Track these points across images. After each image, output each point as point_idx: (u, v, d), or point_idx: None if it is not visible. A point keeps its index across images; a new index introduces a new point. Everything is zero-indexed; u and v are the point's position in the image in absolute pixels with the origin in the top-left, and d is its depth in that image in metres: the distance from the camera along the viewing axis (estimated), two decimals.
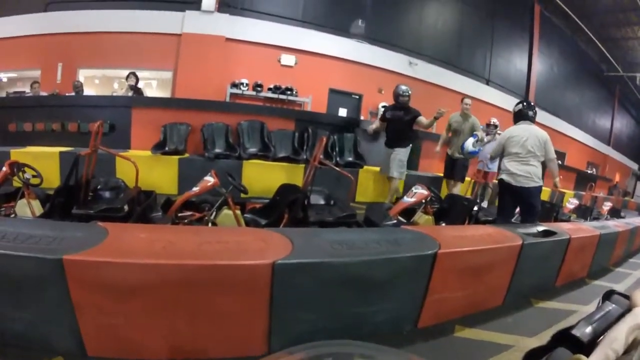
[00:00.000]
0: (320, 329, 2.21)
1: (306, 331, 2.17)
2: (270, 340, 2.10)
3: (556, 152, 4.41)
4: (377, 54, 9.98)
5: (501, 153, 4.36)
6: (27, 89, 8.07)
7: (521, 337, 2.65)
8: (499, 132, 6.62)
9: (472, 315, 2.84)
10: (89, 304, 1.85)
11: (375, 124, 6.25)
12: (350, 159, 6.70)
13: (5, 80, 10.41)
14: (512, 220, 4.63)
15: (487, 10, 11.91)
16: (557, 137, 14.42)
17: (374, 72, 9.98)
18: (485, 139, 6.23)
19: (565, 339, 1.82)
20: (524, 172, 4.09)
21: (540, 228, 3.64)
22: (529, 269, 3.21)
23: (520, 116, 4.27)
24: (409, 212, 4.47)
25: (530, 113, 4.27)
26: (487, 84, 12.07)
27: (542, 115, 13.43)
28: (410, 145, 5.80)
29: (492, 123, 6.61)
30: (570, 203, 7.56)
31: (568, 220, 6.31)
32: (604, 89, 17.80)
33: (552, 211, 6.20)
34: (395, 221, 4.05)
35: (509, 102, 12.39)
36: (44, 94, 7.49)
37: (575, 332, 1.89)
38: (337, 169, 4.74)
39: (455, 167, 6.17)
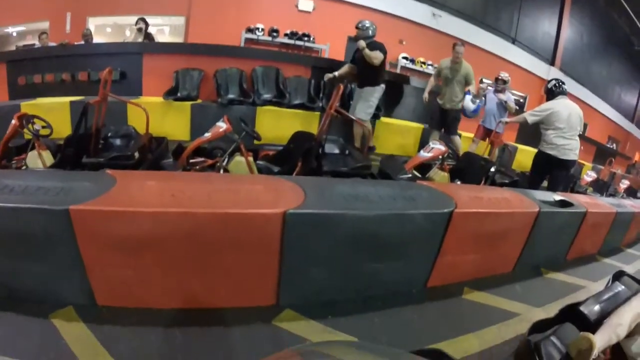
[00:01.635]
0: (329, 282, 2.20)
1: (315, 283, 2.16)
2: (280, 289, 2.09)
3: None
4: (398, 3, 9.46)
5: (539, 124, 4.56)
6: (37, 42, 7.84)
7: (528, 307, 2.63)
8: (509, 89, 6.04)
9: (481, 279, 2.81)
10: (98, 254, 1.84)
11: (342, 69, 5.52)
12: None
13: (14, 34, 10.25)
14: None
15: None
16: (580, 107, 13.98)
17: (395, 21, 9.47)
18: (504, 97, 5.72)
19: (572, 314, 1.80)
20: (570, 147, 4.41)
21: (557, 197, 3.53)
22: (543, 238, 3.14)
23: (557, 92, 4.55)
24: (424, 168, 4.38)
25: (565, 88, 4.60)
26: (513, 43, 11.52)
27: (566, 82, 12.95)
28: (382, 85, 5.26)
29: (500, 78, 5.88)
30: (588, 175, 7.36)
31: (584, 193, 6.18)
32: (633, 63, 16.95)
33: (569, 181, 6.05)
34: (410, 175, 3.95)
35: (535, 65, 11.91)
36: (52, 44, 7.32)
37: (583, 308, 1.86)
38: (353, 118, 4.63)
39: (446, 120, 5.75)
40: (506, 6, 11.32)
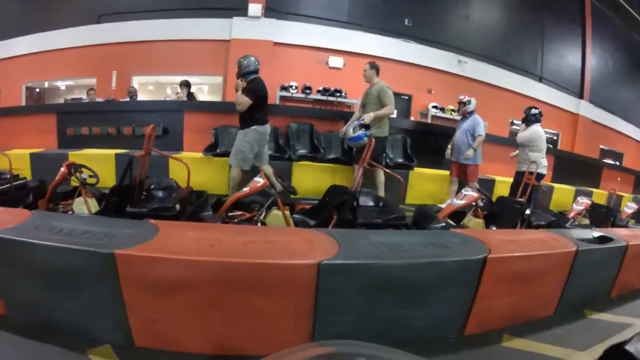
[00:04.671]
0: (363, 331, 2.21)
1: (349, 333, 2.17)
2: (313, 339, 2.12)
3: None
4: (425, 54, 9.83)
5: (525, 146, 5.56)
6: (84, 96, 8.56)
7: (572, 351, 2.52)
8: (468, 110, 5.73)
9: (521, 324, 2.74)
10: (138, 296, 1.95)
11: None
12: (400, 160, 6.63)
13: (63, 88, 11.14)
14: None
15: (536, 3, 11.40)
16: (614, 136, 13.51)
17: (422, 72, 9.85)
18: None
19: (618, 354, 1.74)
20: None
21: (596, 233, 3.46)
22: (583, 278, 3.05)
23: (535, 120, 5.58)
24: (458, 215, 4.39)
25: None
26: (540, 81, 11.52)
27: (597, 113, 12.66)
28: (256, 126, 4.60)
29: (459, 100, 5.64)
30: (629, 207, 7.00)
31: (626, 226, 5.92)
32: None
33: (609, 216, 5.83)
34: (443, 224, 3.95)
35: (564, 100, 11.84)
36: (99, 100, 7.91)
37: (629, 347, 1.79)
38: (386, 170, 4.68)
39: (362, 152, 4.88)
40: (529, 45, 11.45)
